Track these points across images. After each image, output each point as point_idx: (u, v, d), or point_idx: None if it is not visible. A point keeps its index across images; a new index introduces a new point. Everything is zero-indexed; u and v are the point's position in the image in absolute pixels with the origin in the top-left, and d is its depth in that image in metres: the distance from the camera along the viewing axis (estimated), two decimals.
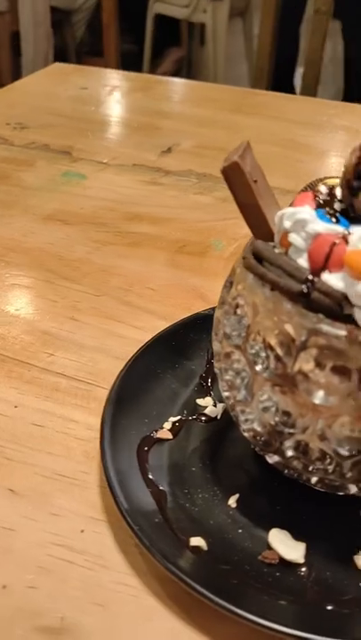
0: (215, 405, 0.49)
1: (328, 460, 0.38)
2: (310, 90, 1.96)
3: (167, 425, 0.48)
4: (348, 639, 0.35)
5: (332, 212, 0.36)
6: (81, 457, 0.47)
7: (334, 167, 0.89)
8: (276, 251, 0.37)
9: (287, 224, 0.36)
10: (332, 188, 0.38)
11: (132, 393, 0.48)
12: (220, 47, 3.07)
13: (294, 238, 0.36)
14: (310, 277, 0.33)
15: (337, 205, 0.37)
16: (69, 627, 0.37)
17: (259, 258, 0.36)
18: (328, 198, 0.37)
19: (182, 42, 3.51)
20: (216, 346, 0.41)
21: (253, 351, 0.37)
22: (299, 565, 0.39)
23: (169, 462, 0.45)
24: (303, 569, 0.39)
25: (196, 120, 1.04)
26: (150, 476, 0.43)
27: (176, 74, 3.38)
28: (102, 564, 0.40)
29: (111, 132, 1.00)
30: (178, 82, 1.26)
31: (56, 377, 0.54)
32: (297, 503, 0.43)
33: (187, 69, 3.52)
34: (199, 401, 0.50)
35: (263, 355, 0.37)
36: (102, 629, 0.37)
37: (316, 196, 0.38)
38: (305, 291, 0.33)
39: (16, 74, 2.78)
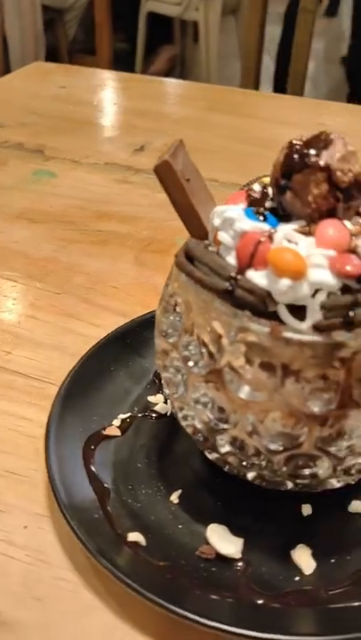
0: (166, 402, 0.50)
1: (262, 456, 0.38)
2: (296, 88, 1.96)
3: (116, 422, 0.48)
4: (282, 634, 0.35)
5: (260, 210, 0.36)
6: (31, 454, 0.47)
7: None
8: (211, 249, 0.38)
9: (217, 222, 0.36)
10: (265, 187, 0.38)
11: (81, 390, 0.49)
12: (213, 45, 3.07)
13: (223, 236, 0.36)
14: (234, 275, 0.34)
15: (268, 204, 0.37)
16: (7, 620, 0.38)
17: (190, 256, 0.36)
18: (260, 197, 0.38)
19: (175, 40, 3.50)
20: (157, 343, 0.42)
21: (187, 348, 0.38)
22: (235, 560, 0.39)
23: (115, 459, 0.46)
24: (240, 564, 0.39)
25: (171, 119, 1.04)
26: (95, 472, 0.44)
27: (169, 72, 3.38)
28: (43, 559, 0.41)
29: (86, 130, 1.00)
30: (155, 80, 1.26)
31: (12, 375, 0.54)
32: (237, 499, 0.43)
33: (180, 67, 3.52)
34: (150, 398, 0.50)
35: (196, 352, 0.37)
36: (39, 624, 0.37)
37: (248, 195, 0.38)
38: (229, 288, 0.34)
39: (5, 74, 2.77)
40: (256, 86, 2.03)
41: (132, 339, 0.54)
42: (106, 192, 0.83)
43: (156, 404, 0.50)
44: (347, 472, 0.39)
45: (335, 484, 0.40)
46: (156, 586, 0.37)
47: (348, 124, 1.03)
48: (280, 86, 2.64)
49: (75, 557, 0.41)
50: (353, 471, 0.39)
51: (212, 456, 0.41)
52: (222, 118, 1.03)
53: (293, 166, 0.34)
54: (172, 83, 1.35)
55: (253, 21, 1.92)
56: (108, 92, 1.20)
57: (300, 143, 0.35)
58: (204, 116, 1.05)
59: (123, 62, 3.72)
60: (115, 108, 1.13)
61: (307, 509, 0.42)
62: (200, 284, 0.35)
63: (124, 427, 0.48)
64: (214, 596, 0.37)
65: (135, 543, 0.40)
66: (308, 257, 0.33)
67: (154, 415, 0.49)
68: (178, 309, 0.39)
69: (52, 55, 3.11)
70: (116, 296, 0.64)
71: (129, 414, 0.49)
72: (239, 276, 0.34)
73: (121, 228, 0.76)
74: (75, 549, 0.41)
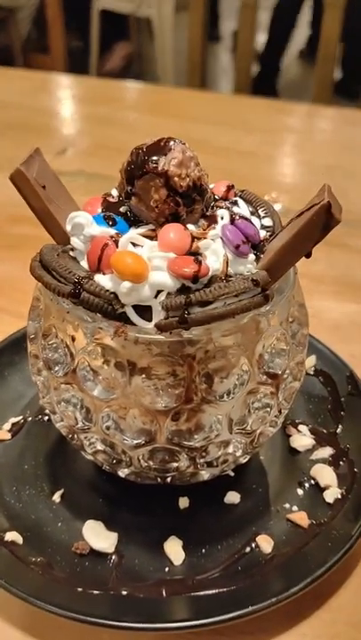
0: None
1: (127, 453, 0.39)
2: (243, 85, 1.97)
3: (6, 426, 0.49)
4: (150, 623, 0.36)
5: (110, 215, 0.37)
6: None
7: (235, 165, 0.90)
8: (72, 254, 0.39)
9: (68, 228, 0.37)
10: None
11: None
12: (168, 41, 3.07)
13: (75, 241, 0.37)
14: (78, 279, 0.35)
15: (123, 208, 0.38)
16: None
17: (44, 263, 0.37)
18: (116, 202, 0.39)
19: (131, 37, 3.50)
20: (28, 348, 0.42)
21: (48, 351, 0.39)
22: (108, 555, 0.41)
23: (2, 462, 0.46)
24: (113, 557, 0.41)
25: (95, 119, 1.05)
26: None
27: (125, 69, 3.37)
28: None
29: (7, 134, 1.00)
30: (81, 80, 1.26)
31: None
32: (116, 496, 0.44)
33: (138, 64, 3.52)
34: (41, 400, 0.51)
35: (58, 355, 0.38)
36: None
37: (105, 200, 0.39)
38: (74, 291, 0.35)
39: None
40: (200, 83, 2.04)
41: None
42: (19, 198, 0.84)
43: None
44: (210, 464, 0.40)
45: (204, 476, 0.42)
46: (26, 582, 0.38)
47: (260, 118, 1.06)
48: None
49: None
50: (216, 463, 0.40)
51: (87, 456, 0.43)
52: (148, 118, 1.04)
53: (135, 172, 0.36)
54: (94, 82, 1.36)
55: (196, 16, 1.92)
56: (32, 93, 1.19)
57: (142, 150, 0.36)
58: (128, 115, 1.06)
59: (77, 60, 3.71)
60: (38, 111, 1.13)
61: (184, 502, 0.44)
62: (49, 288, 0.36)
63: (14, 430, 0.49)
64: (82, 589, 0.38)
65: (12, 542, 0.41)
66: (149, 260, 0.35)
67: (45, 418, 0.50)
68: (39, 314, 0.40)
69: (6, 55, 3.09)
70: (22, 300, 0.64)
71: (21, 417, 0.50)
72: (85, 280, 0.35)
73: (35, 232, 0.76)
74: None
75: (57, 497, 0.44)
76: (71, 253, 0.39)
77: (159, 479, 0.41)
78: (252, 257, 0.37)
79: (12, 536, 0.41)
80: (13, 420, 0.50)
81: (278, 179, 0.91)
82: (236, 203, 0.40)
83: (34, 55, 3.46)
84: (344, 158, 0.95)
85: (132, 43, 3.56)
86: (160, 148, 0.36)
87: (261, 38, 2.74)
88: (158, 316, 0.35)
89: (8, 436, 0.48)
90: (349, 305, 0.64)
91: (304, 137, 1.06)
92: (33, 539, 0.41)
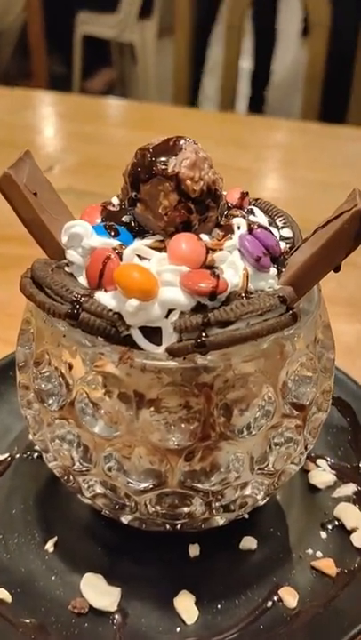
0: None
1: (132, 497, 0.34)
2: (227, 103, 1.95)
3: None
4: None
5: (112, 225, 0.33)
6: None
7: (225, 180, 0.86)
8: (67, 269, 0.34)
9: (64, 239, 0.33)
10: (122, 200, 0.35)
11: None
12: (151, 66, 3.07)
13: (72, 255, 0.32)
14: (77, 297, 0.30)
15: (126, 218, 0.34)
16: None
17: (36, 280, 0.33)
18: (117, 210, 0.34)
19: (113, 62, 3.49)
20: (17, 377, 0.38)
21: (41, 381, 0.34)
22: (110, 613, 0.35)
23: None
24: (116, 617, 0.35)
25: (80, 136, 1.01)
26: None
27: (108, 94, 3.36)
28: None
29: None
30: (64, 97, 1.23)
31: None
32: (118, 544, 0.39)
33: (120, 89, 3.51)
34: (32, 436, 0.46)
35: (51, 385, 0.34)
36: None
37: (105, 208, 0.35)
38: (72, 312, 0.30)
39: None
40: (187, 102, 2.02)
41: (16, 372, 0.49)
42: (8, 214, 0.79)
43: None
44: (227, 508, 0.35)
45: (219, 521, 0.37)
46: None
47: (251, 136, 1.03)
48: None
49: None
50: (233, 507, 0.35)
51: (85, 500, 0.37)
52: (137, 135, 1.00)
53: (141, 175, 0.31)
54: (81, 100, 1.32)
55: (181, 39, 1.91)
56: (16, 111, 1.16)
57: (149, 150, 0.31)
58: (116, 133, 1.03)
59: (60, 86, 3.68)
60: (22, 128, 1.09)
61: (194, 550, 0.39)
62: (42, 308, 0.31)
63: (0, 469, 0.44)
64: None
65: (1, 601, 0.35)
66: (158, 274, 0.30)
67: (35, 455, 0.45)
68: (31, 339, 0.35)
69: None
70: (11, 324, 0.59)
71: (7, 455, 0.45)
72: (84, 299, 0.30)
73: (23, 252, 0.72)
74: None
75: (50, 546, 0.39)
76: (67, 269, 0.34)
77: (167, 526, 0.36)
78: (273, 271, 0.32)
79: (0, 594, 0.36)
80: (0, 457, 0.44)
81: (266, 194, 0.87)
82: (252, 211, 0.35)
83: (16, 80, 3.45)
84: (337, 174, 0.91)
85: (115, 68, 3.56)
86: (170, 147, 0.31)
87: (246, 61, 2.73)
88: (169, 338, 0.30)
89: None
90: None
91: (294, 153, 1.03)
92: (23, 596, 0.36)
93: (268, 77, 2.80)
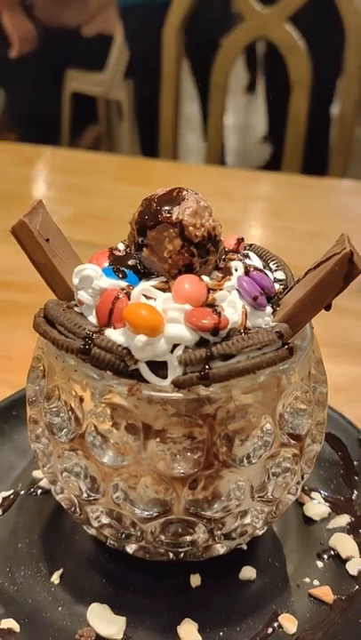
0: None
1: (137, 527, 0.36)
2: (215, 159, 2.02)
3: None
4: None
5: (120, 268, 0.35)
6: None
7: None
8: (77, 309, 0.36)
9: (76, 281, 0.35)
10: (128, 245, 0.37)
11: None
12: (136, 122, 3.16)
13: (82, 295, 0.35)
14: (89, 333, 0.32)
15: (131, 262, 0.36)
16: None
17: (49, 318, 0.35)
18: (123, 254, 0.37)
19: (100, 119, 3.59)
20: (27, 412, 0.39)
21: (51, 415, 0.36)
22: None
23: None
24: None
25: (78, 189, 1.05)
26: None
27: (95, 149, 3.45)
28: None
29: None
30: (61, 152, 1.27)
31: None
32: (122, 575, 0.40)
33: (106, 144, 3.60)
34: (36, 473, 0.47)
35: (61, 418, 0.36)
36: None
37: (112, 253, 0.37)
38: (84, 347, 0.32)
39: None
40: (173, 156, 2.08)
41: (19, 410, 0.51)
42: (7, 263, 0.82)
43: (42, 478, 0.47)
44: (228, 536, 0.37)
45: (220, 550, 0.38)
46: None
47: (238, 188, 1.07)
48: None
49: None
50: (235, 535, 0.37)
51: (90, 531, 0.39)
52: (129, 188, 1.05)
53: (147, 223, 0.34)
54: (75, 155, 1.37)
55: (168, 93, 1.98)
56: (13, 165, 1.20)
57: (154, 200, 0.34)
58: (110, 186, 1.07)
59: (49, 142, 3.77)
60: (19, 180, 1.13)
61: (195, 580, 0.40)
62: (56, 344, 0.33)
63: (5, 505, 0.45)
64: None
65: (8, 630, 0.37)
66: (164, 312, 0.32)
67: (39, 491, 0.46)
68: (42, 376, 0.37)
69: None
70: (9, 367, 0.62)
71: (11, 492, 0.46)
72: (95, 335, 0.32)
73: (22, 298, 0.75)
74: None
75: (56, 578, 0.40)
76: (76, 309, 0.36)
77: (171, 554, 0.38)
78: (269, 309, 0.35)
79: (7, 624, 0.37)
80: (4, 494, 0.46)
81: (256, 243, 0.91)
82: (247, 255, 0.38)
83: (5, 135, 3.54)
84: (328, 223, 0.95)
85: (102, 124, 3.66)
86: (173, 197, 0.34)
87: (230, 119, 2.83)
88: (175, 372, 0.32)
89: None
90: (348, 367, 0.63)
91: (278, 204, 1.07)
92: (31, 626, 0.37)
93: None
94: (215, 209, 0.36)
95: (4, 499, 0.45)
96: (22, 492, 0.46)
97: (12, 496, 0.46)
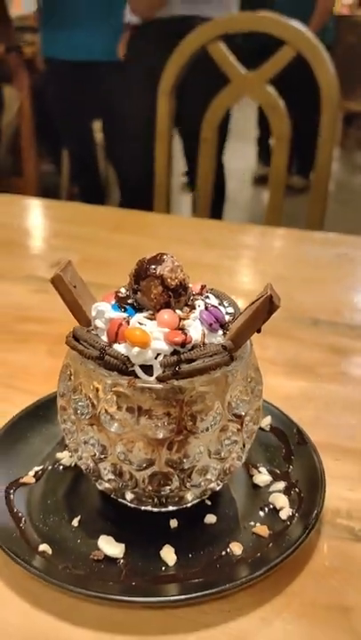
0: (71, 457, 0.65)
1: (133, 479, 0.53)
2: (202, 211, 2.21)
3: (31, 473, 0.63)
4: (148, 597, 0.49)
5: (123, 304, 0.53)
6: None
7: (201, 275, 1.08)
8: (93, 332, 0.54)
9: (93, 313, 0.53)
10: (127, 289, 0.56)
11: (4, 451, 0.63)
12: None
13: (97, 323, 0.53)
14: (103, 347, 0.50)
15: (130, 300, 0.55)
16: None
17: (76, 337, 0.53)
18: (125, 295, 0.55)
19: (98, 164, 3.81)
20: (58, 402, 0.57)
21: (76, 403, 0.54)
22: (118, 559, 0.54)
23: (30, 498, 0.60)
24: (122, 561, 0.54)
25: (81, 238, 1.24)
26: (13, 507, 0.58)
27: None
28: None
29: (8, 250, 1.18)
30: (61, 205, 1.47)
31: None
32: (122, 519, 0.58)
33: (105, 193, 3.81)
34: (58, 454, 0.65)
35: (83, 405, 0.53)
36: None
37: (117, 294, 0.55)
38: (99, 356, 0.50)
39: None
40: (166, 208, 2.27)
41: (44, 411, 0.69)
42: (26, 300, 1.00)
43: (62, 458, 0.65)
44: (195, 486, 0.54)
45: (189, 498, 0.56)
46: (58, 577, 0.51)
47: (217, 239, 1.26)
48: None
49: None
50: (202, 483, 0.54)
51: (101, 486, 0.56)
52: (126, 237, 1.24)
53: (140, 276, 0.52)
54: (77, 207, 1.56)
55: (161, 145, 2.17)
56: (28, 215, 1.39)
57: (145, 261, 0.53)
58: (108, 236, 1.26)
59: (49, 183, 4.01)
60: (34, 230, 1.32)
61: (174, 523, 0.57)
62: (81, 354, 0.51)
63: (37, 476, 0.62)
64: (104, 582, 0.51)
65: (44, 552, 0.54)
66: (151, 333, 0.50)
67: (61, 467, 0.64)
68: (70, 376, 0.55)
69: None
70: (32, 381, 0.79)
71: (42, 467, 0.64)
72: (107, 348, 0.50)
73: (38, 328, 0.93)
74: None
75: (75, 522, 0.57)
76: (94, 332, 0.54)
77: (155, 499, 0.55)
78: (220, 332, 0.53)
79: (43, 547, 0.54)
80: (36, 468, 0.63)
81: (235, 285, 1.09)
82: (208, 297, 0.56)
83: (8, 178, 3.75)
84: (292, 269, 1.14)
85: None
86: (157, 259, 0.53)
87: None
88: (158, 371, 0.50)
89: (33, 480, 0.62)
90: (298, 382, 0.80)
91: (258, 252, 1.26)
92: (60, 550, 0.54)
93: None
94: (199, 255, 0.54)
95: (36, 472, 0.63)
96: (49, 467, 0.64)
97: (41, 471, 0.63)
